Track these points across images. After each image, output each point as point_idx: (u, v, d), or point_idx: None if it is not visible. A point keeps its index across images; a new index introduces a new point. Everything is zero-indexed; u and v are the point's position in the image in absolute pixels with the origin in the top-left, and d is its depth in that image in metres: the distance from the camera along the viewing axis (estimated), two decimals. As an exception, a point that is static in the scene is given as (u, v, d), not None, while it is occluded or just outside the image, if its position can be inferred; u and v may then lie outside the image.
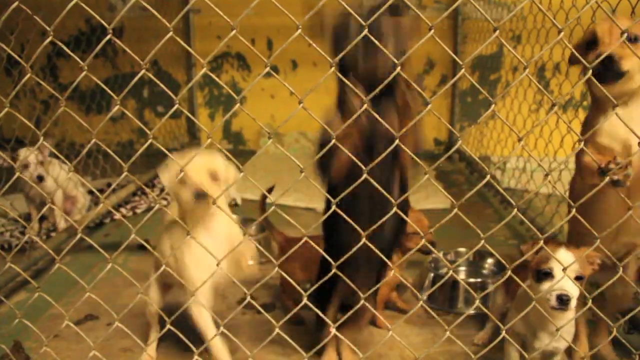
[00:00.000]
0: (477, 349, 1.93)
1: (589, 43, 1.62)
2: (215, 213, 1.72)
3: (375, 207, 1.56)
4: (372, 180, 1.28)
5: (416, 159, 1.37)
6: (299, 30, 1.19)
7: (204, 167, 1.66)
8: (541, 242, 1.52)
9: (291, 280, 1.50)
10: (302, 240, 1.43)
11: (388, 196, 1.34)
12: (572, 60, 1.78)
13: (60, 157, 1.65)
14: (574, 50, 1.38)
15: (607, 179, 1.42)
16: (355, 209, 1.38)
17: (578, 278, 1.52)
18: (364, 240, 1.32)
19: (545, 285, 1.52)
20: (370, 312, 1.81)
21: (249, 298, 1.45)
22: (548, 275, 1.53)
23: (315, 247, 1.52)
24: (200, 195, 1.64)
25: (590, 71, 1.35)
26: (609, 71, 1.53)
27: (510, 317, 1.54)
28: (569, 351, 1.81)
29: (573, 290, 1.50)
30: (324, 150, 1.31)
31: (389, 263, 1.50)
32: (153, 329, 1.97)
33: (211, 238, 1.69)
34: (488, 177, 1.35)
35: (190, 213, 1.71)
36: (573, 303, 1.50)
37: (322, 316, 1.61)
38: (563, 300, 1.49)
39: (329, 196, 1.36)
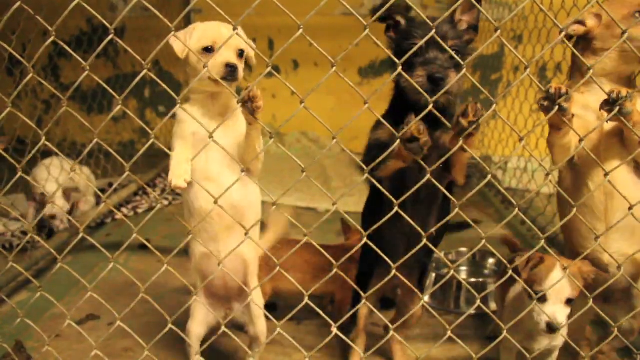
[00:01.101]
0: (478, 349, 1.93)
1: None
2: (232, 107, 1.61)
3: (419, 208, 1.58)
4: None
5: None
6: (301, 30, 1.20)
7: (233, 41, 1.50)
8: (525, 255, 1.53)
9: (292, 280, 1.49)
10: (302, 242, 1.42)
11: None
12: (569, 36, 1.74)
13: (62, 157, 1.65)
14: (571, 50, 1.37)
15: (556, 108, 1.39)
16: (401, 209, 1.36)
17: (569, 301, 1.52)
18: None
19: (537, 307, 1.52)
20: (419, 309, 1.80)
21: (250, 298, 1.45)
22: (541, 298, 1.52)
23: (324, 253, 1.51)
24: (233, 69, 1.53)
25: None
26: None
27: (504, 324, 1.54)
28: (570, 351, 1.81)
29: (562, 317, 1.51)
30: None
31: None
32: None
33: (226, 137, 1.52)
34: (489, 177, 1.35)
35: (206, 97, 1.60)
36: (563, 329, 1.51)
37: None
38: (552, 328, 1.50)
39: (388, 196, 1.34)
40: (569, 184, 1.67)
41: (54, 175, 2.99)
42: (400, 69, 1.26)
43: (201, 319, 1.74)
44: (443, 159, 1.39)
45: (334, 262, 1.36)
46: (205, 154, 1.53)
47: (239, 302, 1.75)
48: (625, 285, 1.65)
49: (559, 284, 1.50)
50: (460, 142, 1.34)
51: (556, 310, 1.51)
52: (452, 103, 1.52)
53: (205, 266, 1.67)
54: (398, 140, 1.32)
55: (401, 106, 1.49)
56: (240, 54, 1.60)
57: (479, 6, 1.37)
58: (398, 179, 1.48)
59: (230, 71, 1.53)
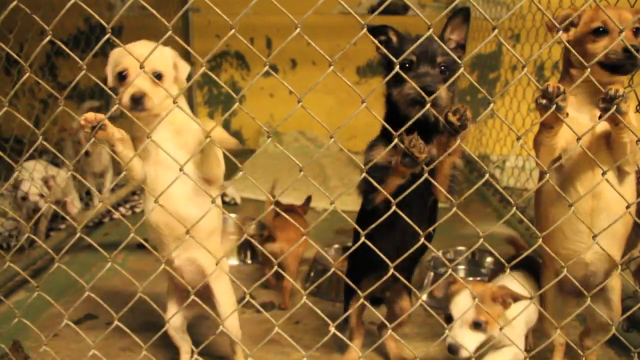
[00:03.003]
0: (476, 348, 1.94)
1: (596, 31, 1.57)
2: (166, 116, 1.52)
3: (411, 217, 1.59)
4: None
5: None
6: (298, 29, 1.19)
7: (147, 64, 1.35)
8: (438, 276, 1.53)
9: (291, 280, 1.50)
10: (301, 240, 1.43)
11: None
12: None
13: (60, 157, 1.64)
14: (568, 46, 1.38)
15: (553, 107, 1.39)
16: (392, 220, 1.39)
17: (477, 324, 1.54)
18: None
19: (448, 327, 1.54)
20: (408, 305, 1.87)
21: (248, 297, 1.45)
22: (451, 320, 1.55)
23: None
24: (137, 101, 1.46)
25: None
26: (628, 62, 1.50)
27: None
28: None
29: (465, 341, 1.52)
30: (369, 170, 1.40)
31: (409, 286, 1.53)
32: (182, 351, 1.87)
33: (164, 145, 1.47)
34: (487, 175, 1.35)
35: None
36: (465, 353, 1.52)
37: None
38: (451, 350, 1.52)
39: (383, 196, 1.39)
40: (551, 185, 1.68)
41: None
42: (397, 68, 1.27)
43: (175, 311, 1.79)
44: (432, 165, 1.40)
45: (332, 261, 1.37)
46: (155, 168, 1.57)
47: (209, 299, 1.79)
48: (600, 280, 1.68)
49: (464, 307, 1.53)
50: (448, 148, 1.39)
51: (458, 334, 1.54)
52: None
53: (169, 268, 1.72)
54: (395, 157, 1.40)
55: (394, 122, 1.48)
56: (157, 76, 1.53)
57: (476, 5, 1.37)
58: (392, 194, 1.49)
59: (134, 104, 1.47)
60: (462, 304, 1.54)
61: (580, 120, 1.58)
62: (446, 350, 1.54)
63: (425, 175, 1.34)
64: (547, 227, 1.62)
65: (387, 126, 1.37)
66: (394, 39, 1.59)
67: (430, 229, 1.56)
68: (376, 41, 1.50)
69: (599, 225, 1.57)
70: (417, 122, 1.34)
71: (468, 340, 1.53)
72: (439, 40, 1.45)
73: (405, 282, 1.49)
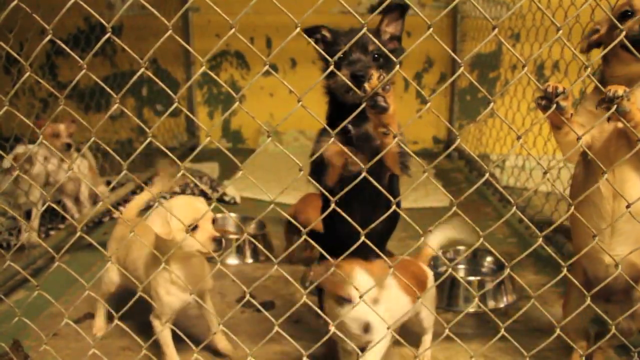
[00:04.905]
0: (476, 347, 1.94)
1: (623, 14, 1.52)
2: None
3: (367, 203, 1.70)
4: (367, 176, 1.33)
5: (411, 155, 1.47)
6: (298, 29, 1.20)
7: (209, 212, 1.67)
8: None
9: (290, 279, 1.50)
10: (300, 240, 1.43)
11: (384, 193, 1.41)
12: (591, 46, 1.68)
13: (60, 155, 1.65)
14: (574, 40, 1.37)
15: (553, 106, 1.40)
16: (350, 206, 1.46)
17: (376, 300, 1.51)
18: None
19: (346, 310, 1.49)
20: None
21: (248, 296, 1.45)
22: (348, 301, 1.49)
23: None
24: (219, 242, 1.69)
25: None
26: None
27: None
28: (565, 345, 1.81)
29: (373, 316, 1.48)
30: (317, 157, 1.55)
31: (382, 255, 1.47)
32: (100, 305, 2.10)
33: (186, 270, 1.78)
34: (487, 175, 1.35)
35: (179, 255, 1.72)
36: (381, 331, 1.47)
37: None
38: (369, 328, 1.48)
39: (327, 195, 1.39)
40: (581, 179, 1.66)
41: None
42: (331, 66, 1.28)
43: (115, 281, 2.05)
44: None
45: (331, 260, 1.37)
46: None
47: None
48: (625, 286, 1.64)
49: (364, 283, 1.48)
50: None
51: (369, 312, 1.48)
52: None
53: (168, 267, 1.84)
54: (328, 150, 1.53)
55: (335, 110, 1.69)
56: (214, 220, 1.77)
57: (476, 4, 1.37)
58: (344, 181, 1.60)
59: (217, 244, 1.69)
60: (365, 281, 1.48)
61: (601, 116, 1.56)
62: (360, 330, 1.48)
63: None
64: (575, 226, 1.60)
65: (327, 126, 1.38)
66: (328, 35, 1.70)
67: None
68: (311, 41, 1.58)
69: (620, 227, 1.54)
70: (354, 107, 1.35)
71: (374, 315, 1.47)
72: (369, 35, 1.41)
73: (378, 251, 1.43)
